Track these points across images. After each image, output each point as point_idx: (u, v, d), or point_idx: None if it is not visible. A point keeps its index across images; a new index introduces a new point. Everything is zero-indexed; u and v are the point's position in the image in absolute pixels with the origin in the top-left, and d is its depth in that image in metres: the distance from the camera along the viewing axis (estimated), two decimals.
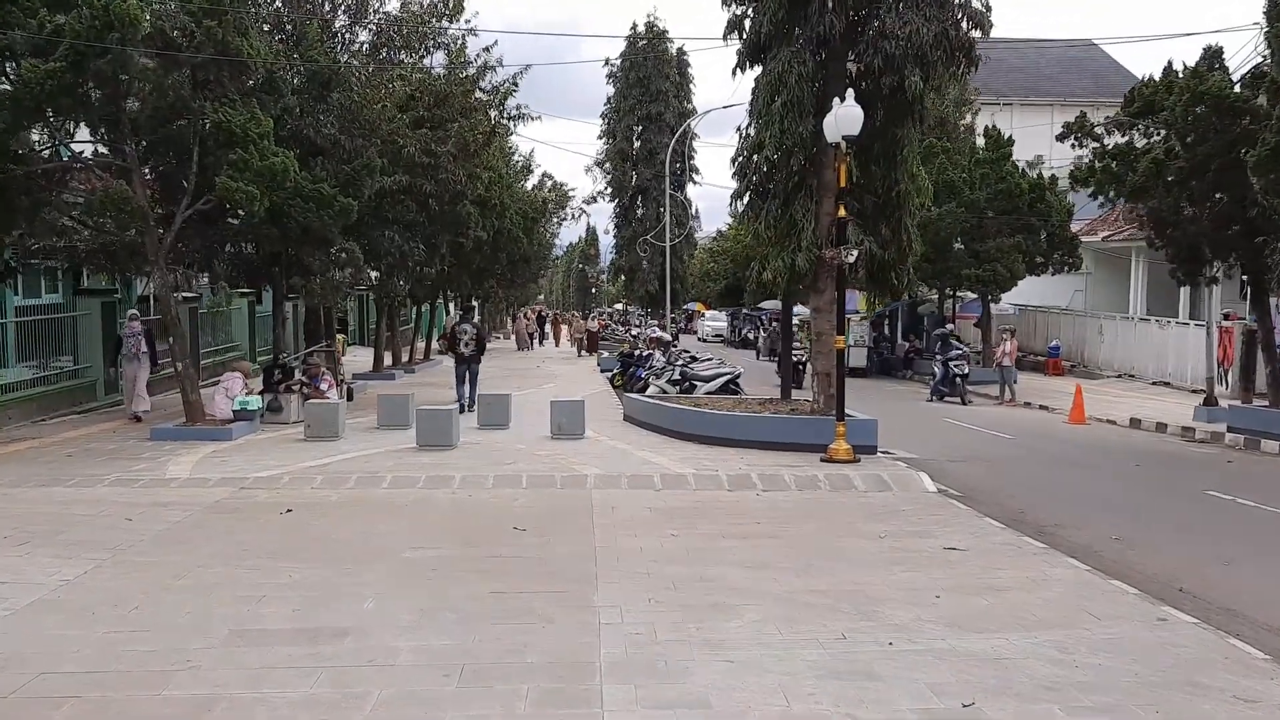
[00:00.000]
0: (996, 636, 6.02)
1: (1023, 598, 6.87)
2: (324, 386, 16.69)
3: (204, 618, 6.29)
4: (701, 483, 11.15)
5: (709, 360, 19.67)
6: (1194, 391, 25.13)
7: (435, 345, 35.32)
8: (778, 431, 13.35)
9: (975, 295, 31.39)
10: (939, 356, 24.46)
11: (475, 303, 21.85)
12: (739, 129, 14.47)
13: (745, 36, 13.66)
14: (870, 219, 13.69)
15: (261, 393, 15.99)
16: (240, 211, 15.13)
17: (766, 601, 6.70)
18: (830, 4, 12.63)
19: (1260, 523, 10.40)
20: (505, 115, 21.63)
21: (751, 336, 50.71)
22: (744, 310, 56.23)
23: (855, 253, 12.13)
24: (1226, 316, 23.63)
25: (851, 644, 5.86)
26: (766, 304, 52.45)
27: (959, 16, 12.70)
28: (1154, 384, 27.30)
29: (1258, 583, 7.87)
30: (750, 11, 13.47)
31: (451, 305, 40.55)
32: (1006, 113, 46.33)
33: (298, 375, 16.88)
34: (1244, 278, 17.87)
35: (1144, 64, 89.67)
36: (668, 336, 22.23)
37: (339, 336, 25.05)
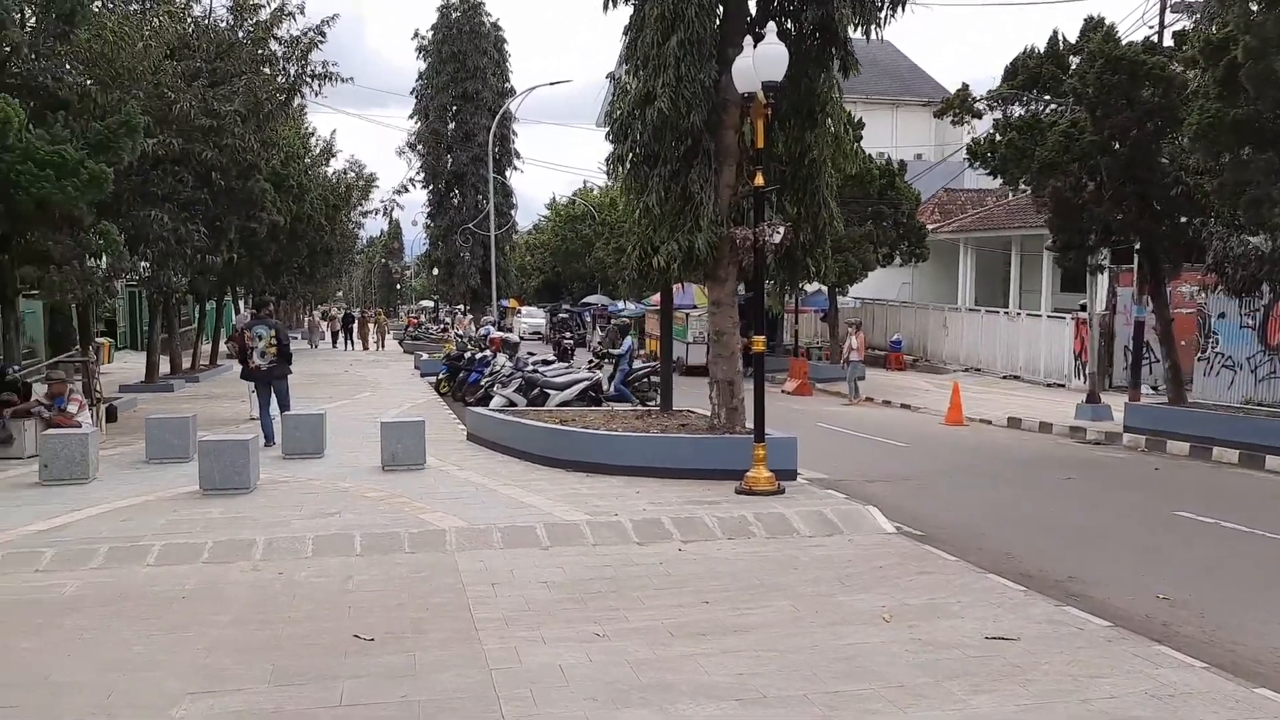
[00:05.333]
0: None
1: None
2: (72, 409, 12.80)
3: None
4: (600, 534, 8.38)
5: (558, 364, 16.88)
6: (1049, 386, 24.43)
7: (223, 348, 30.90)
8: (673, 455, 10.71)
9: (818, 287, 29.93)
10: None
11: (271, 298, 17.94)
12: (610, 76, 11.74)
13: None
14: (775, 192, 11.29)
15: None
16: None
17: None
18: None
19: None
20: (309, 74, 17.95)
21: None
22: (565, 306, 53.67)
23: (782, 230, 9.64)
24: (1083, 308, 22.79)
25: None
26: (591, 299, 50.07)
27: None
28: (1004, 378, 26.43)
29: None
30: None
31: (242, 303, 35.92)
32: None
33: (35, 394, 12.95)
34: (1140, 264, 16.65)
35: (936, 68, 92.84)
36: (515, 337, 19.14)
37: (101, 341, 20.67)
